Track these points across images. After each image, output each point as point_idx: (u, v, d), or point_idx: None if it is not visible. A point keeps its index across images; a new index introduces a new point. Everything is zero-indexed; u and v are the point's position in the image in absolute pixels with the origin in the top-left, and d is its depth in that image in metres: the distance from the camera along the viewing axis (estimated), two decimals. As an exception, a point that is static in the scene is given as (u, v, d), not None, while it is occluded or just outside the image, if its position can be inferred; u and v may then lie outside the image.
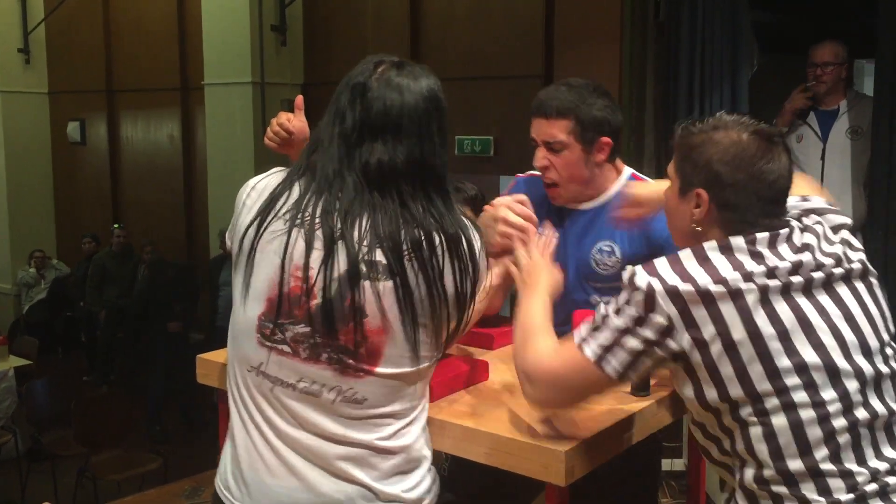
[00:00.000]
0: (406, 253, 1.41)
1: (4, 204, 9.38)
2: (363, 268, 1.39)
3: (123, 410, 5.65)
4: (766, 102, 4.67)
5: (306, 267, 1.40)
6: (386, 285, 1.40)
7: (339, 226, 1.40)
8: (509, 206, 1.85)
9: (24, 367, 6.29)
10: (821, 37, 4.28)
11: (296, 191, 1.45)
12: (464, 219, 1.51)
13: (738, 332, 1.38)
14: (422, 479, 1.52)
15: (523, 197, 1.90)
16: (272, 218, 1.44)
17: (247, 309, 1.46)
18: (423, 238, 1.42)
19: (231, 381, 1.52)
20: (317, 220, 1.41)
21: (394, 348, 1.43)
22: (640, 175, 2.18)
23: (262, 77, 7.18)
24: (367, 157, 1.43)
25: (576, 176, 2.07)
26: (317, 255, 1.40)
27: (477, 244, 1.51)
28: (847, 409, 1.39)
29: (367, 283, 1.40)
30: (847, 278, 1.48)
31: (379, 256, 1.40)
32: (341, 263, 1.39)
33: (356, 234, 1.40)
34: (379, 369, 1.43)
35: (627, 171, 2.16)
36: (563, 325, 1.72)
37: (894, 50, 3.81)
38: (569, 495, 1.49)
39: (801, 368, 1.38)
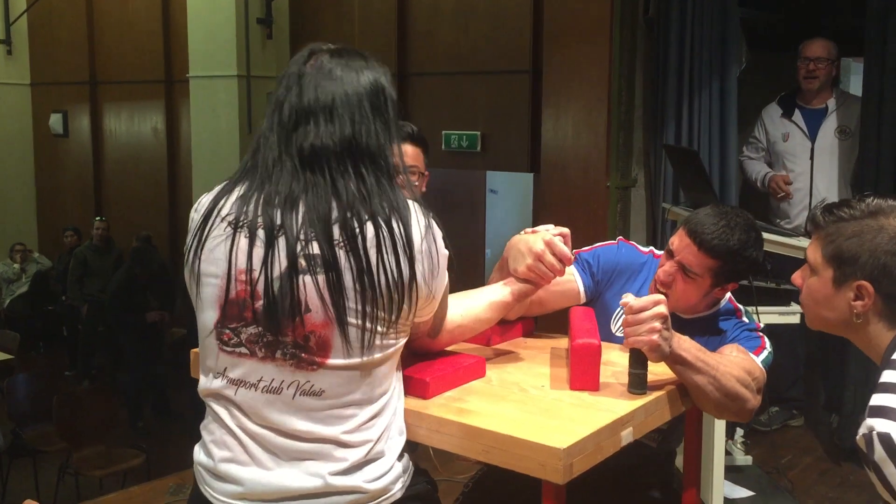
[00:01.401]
0: (338, 242, 1.41)
1: (-15, 196, 9.29)
2: (302, 262, 1.41)
3: (105, 406, 5.61)
4: (753, 99, 4.68)
5: (249, 269, 1.43)
6: (324, 278, 1.41)
7: (279, 219, 1.42)
8: (550, 244, 1.81)
9: (5, 362, 6.23)
10: (808, 35, 4.29)
11: (237, 191, 1.48)
12: (404, 199, 1.49)
13: None
14: (388, 470, 1.52)
15: (566, 231, 1.86)
16: (214, 222, 1.46)
17: (203, 318, 1.50)
18: (353, 223, 1.41)
19: (202, 384, 1.56)
20: (259, 216, 1.43)
21: (341, 339, 1.43)
22: (737, 303, 2.15)
23: (248, 70, 7.14)
24: (301, 141, 1.45)
25: (689, 302, 2.04)
26: (258, 255, 1.42)
27: (415, 226, 1.47)
28: None
29: (307, 278, 1.41)
30: None
31: (316, 249, 1.41)
32: (282, 260, 1.41)
33: (295, 225, 1.42)
34: (330, 360, 1.44)
35: (726, 297, 2.14)
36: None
37: (882, 48, 3.82)
38: (565, 494, 1.48)
39: None
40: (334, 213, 1.42)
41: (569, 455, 1.44)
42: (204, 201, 1.52)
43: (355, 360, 1.45)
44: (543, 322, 2.27)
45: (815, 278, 1.54)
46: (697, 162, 3.73)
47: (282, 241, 1.41)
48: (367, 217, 1.42)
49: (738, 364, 1.81)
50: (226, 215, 1.46)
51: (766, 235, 3.40)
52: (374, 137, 1.48)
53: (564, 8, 4.62)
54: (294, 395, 1.46)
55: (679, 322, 2.00)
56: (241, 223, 1.44)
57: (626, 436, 1.60)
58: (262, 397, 1.47)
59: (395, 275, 1.43)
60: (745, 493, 3.54)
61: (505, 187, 6.05)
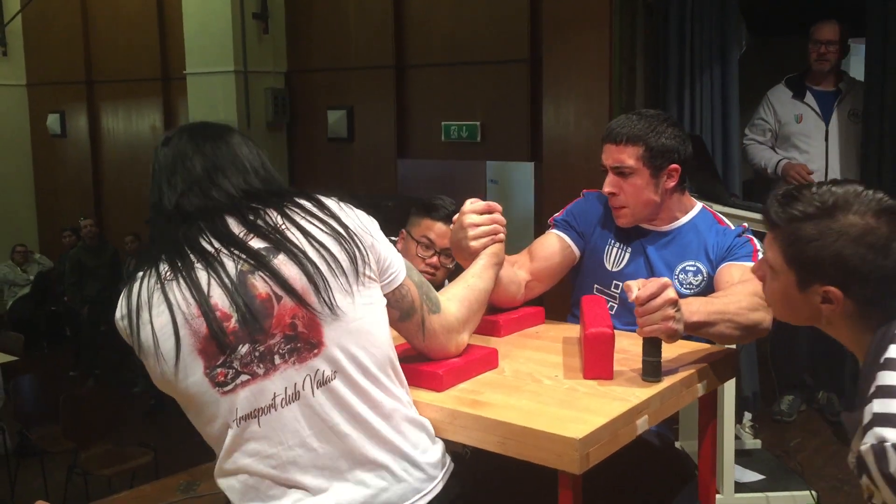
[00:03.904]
0: (251, 235, 1.45)
1: (-16, 198, 9.28)
2: (246, 265, 1.42)
3: (111, 405, 5.60)
4: (752, 84, 4.67)
5: (201, 303, 1.41)
6: (273, 265, 1.42)
7: (196, 259, 1.44)
8: (470, 211, 1.91)
9: (10, 363, 6.22)
10: (808, 18, 4.27)
11: (150, 273, 1.47)
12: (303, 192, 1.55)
13: None
14: (434, 443, 1.56)
15: (475, 199, 1.95)
16: (149, 304, 1.44)
17: (187, 379, 1.43)
18: (271, 218, 1.48)
19: (213, 444, 1.50)
20: (179, 268, 1.44)
21: (322, 313, 1.43)
22: (714, 210, 2.25)
23: (245, 65, 7.11)
24: (188, 202, 1.49)
25: (644, 200, 2.15)
26: (202, 287, 1.42)
27: (327, 199, 1.54)
28: None
29: (260, 273, 1.42)
30: None
31: (247, 250, 1.44)
32: (228, 274, 1.42)
33: (219, 252, 1.44)
34: (325, 335, 1.44)
35: (699, 205, 2.25)
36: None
37: (884, 30, 3.80)
38: (581, 484, 1.48)
39: None
40: (238, 229, 1.46)
41: (585, 445, 1.44)
42: (123, 302, 1.48)
43: (349, 326, 1.45)
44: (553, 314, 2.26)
45: (777, 281, 1.47)
46: (701, 147, 3.71)
47: (210, 270, 1.42)
48: (275, 214, 1.48)
49: (745, 293, 1.86)
50: (153, 294, 1.44)
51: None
52: (257, 176, 1.54)
53: (563, -5, 4.60)
54: (313, 391, 1.44)
55: (665, 235, 2.18)
56: (166, 283, 1.44)
57: (642, 424, 1.60)
58: (285, 413, 1.43)
59: (326, 228, 1.47)
60: (755, 476, 3.53)
61: (505, 177, 6.02)
